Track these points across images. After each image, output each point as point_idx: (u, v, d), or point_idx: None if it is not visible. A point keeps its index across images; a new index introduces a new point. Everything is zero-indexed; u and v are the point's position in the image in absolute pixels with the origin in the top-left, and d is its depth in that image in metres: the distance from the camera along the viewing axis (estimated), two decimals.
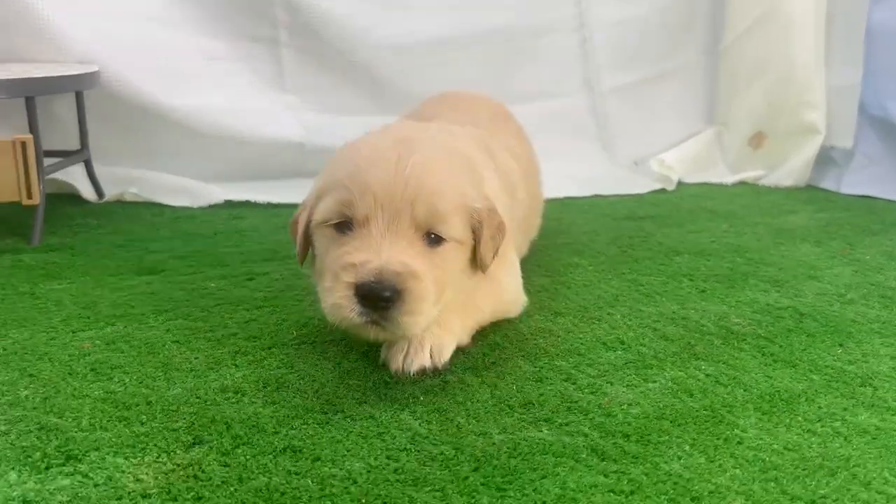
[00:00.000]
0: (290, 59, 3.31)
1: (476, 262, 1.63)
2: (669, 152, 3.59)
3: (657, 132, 3.74)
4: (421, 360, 1.55)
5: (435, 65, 3.46)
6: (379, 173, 1.50)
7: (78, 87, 2.68)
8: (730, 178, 3.54)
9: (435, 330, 1.58)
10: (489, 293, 1.74)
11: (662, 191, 3.37)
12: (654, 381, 1.57)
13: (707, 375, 1.60)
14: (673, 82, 3.80)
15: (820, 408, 1.48)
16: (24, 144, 2.28)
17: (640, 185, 3.39)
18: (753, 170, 3.57)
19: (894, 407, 1.48)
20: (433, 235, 1.51)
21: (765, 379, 1.59)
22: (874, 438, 1.37)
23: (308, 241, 1.64)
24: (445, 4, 3.45)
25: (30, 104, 2.47)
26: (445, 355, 1.59)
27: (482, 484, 1.22)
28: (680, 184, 3.48)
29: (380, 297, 1.39)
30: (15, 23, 2.83)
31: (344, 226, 1.52)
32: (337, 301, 1.43)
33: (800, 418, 1.44)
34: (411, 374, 1.54)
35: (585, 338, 1.78)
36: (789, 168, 3.45)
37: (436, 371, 1.56)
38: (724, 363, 1.66)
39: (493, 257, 1.64)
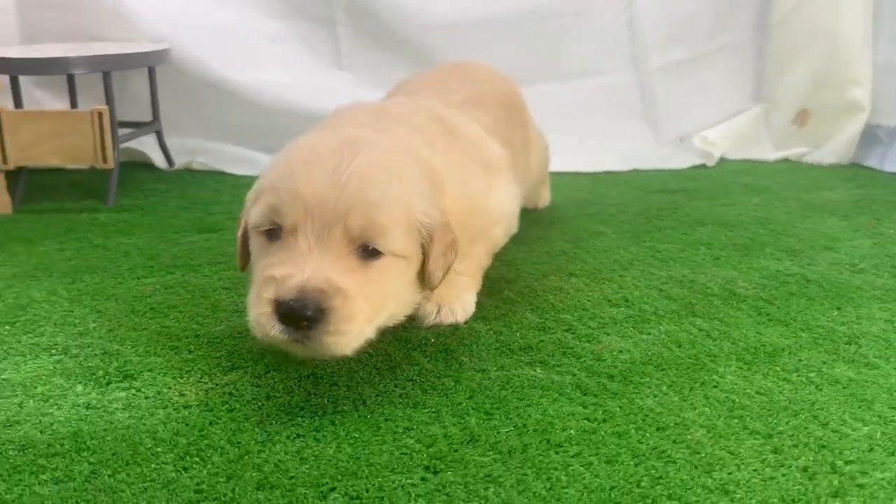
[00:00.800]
0: (346, 38, 3.50)
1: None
2: (714, 129, 3.65)
3: (703, 110, 3.79)
4: (453, 317, 1.73)
5: (484, 42, 3.59)
6: (312, 179, 1.38)
7: (150, 63, 2.94)
8: (773, 155, 3.58)
9: (454, 291, 1.73)
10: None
11: (703, 166, 3.44)
12: (649, 334, 1.71)
13: (700, 330, 1.72)
14: (719, 60, 3.83)
15: (800, 360, 1.59)
16: (100, 114, 2.54)
17: (682, 161, 3.47)
18: (797, 147, 3.59)
19: (873, 363, 1.58)
20: (370, 248, 1.39)
21: (754, 335, 1.70)
22: (844, 388, 1.48)
23: (246, 244, 1.54)
24: None
25: (106, 78, 2.73)
26: (471, 309, 1.77)
27: (473, 408, 1.39)
28: (722, 160, 3.54)
29: (300, 317, 1.29)
30: (93, 5, 3.12)
31: (273, 234, 1.41)
32: (257, 317, 1.33)
33: (778, 369, 1.55)
34: (443, 325, 1.72)
35: (593, 296, 1.92)
36: (833, 146, 3.47)
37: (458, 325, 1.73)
38: (718, 320, 1.78)
39: (444, 276, 1.55)
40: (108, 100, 2.72)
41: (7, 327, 1.72)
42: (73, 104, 3.10)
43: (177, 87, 3.24)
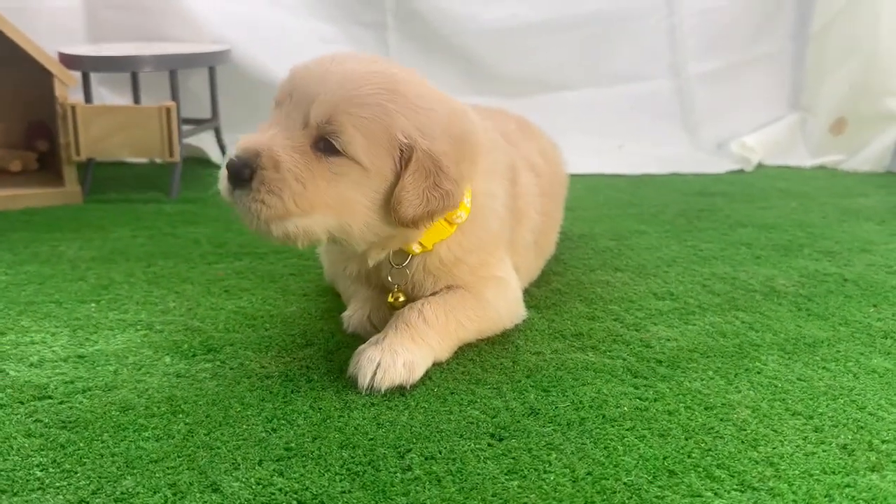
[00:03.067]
0: (395, 43, 3.64)
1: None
2: (751, 135, 3.73)
3: (741, 117, 3.87)
4: (392, 376, 1.45)
5: (529, 48, 3.72)
6: (311, 66, 1.47)
7: (212, 63, 3.09)
8: (809, 162, 3.65)
9: (409, 344, 1.50)
10: (474, 308, 1.63)
11: (740, 171, 3.52)
12: (694, 325, 1.80)
13: (742, 322, 1.82)
14: (758, 68, 3.91)
15: (838, 352, 1.68)
16: (168, 110, 2.69)
17: (719, 166, 3.55)
18: (833, 155, 3.65)
19: None
20: (331, 144, 1.41)
21: (795, 328, 1.79)
22: (881, 377, 1.57)
23: None
24: None
25: (172, 76, 2.89)
26: (418, 372, 1.49)
27: (531, 386, 1.50)
28: (759, 165, 3.61)
29: (234, 173, 1.39)
30: (158, 6, 3.28)
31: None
32: (221, 174, 1.45)
33: (818, 358, 1.64)
34: (381, 391, 1.45)
35: (639, 289, 2.02)
36: (868, 154, 3.53)
37: (403, 389, 1.47)
38: (760, 314, 1.87)
39: (422, 218, 1.47)
40: (174, 97, 2.87)
41: (93, 305, 1.86)
42: (136, 101, 3.25)
43: (234, 86, 3.39)
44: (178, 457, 1.25)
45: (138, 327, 1.74)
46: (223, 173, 1.43)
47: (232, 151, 1.41)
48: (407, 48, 3.64)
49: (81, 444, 1.28)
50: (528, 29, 3.70)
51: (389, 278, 1.66)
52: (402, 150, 1.44)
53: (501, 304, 1.71)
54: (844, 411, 1.43)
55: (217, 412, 1.39)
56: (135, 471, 1.21)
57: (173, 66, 2.88)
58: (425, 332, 1.54)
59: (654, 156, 3.62)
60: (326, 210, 1.43)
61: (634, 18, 3.80)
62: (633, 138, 3.77)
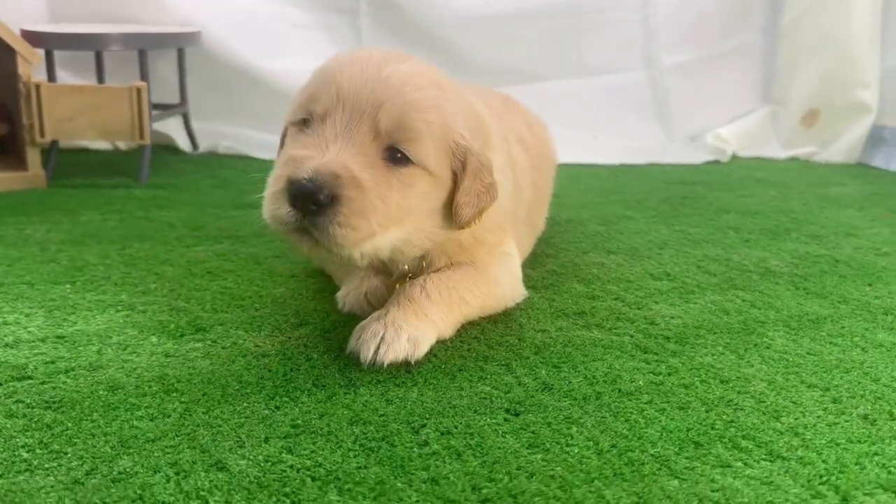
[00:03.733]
0: (368, 29, 3.56)
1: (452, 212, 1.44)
2: (725, 127, 3.75)
3: (714, 109, 3.89)
4: (396, 350, 1.38)
5: (504, 38, 3.67)
6: (353, 70, 1.34)
7: (182, 44, 2.98)
8: (782, 154, 3.68)
9: (412, 319, 1.44)
10: (478, 284, 1.57)
11: (716, 162, 3.53)
12: (695, 303, 1.77)
13: (743, 301, 1.80)
14: (731, 61, 3.93)
15: (843, 327, 1.66)
16: (138, 90, 2.57)
17: (695, 157, 3.55)
18: (806, 147, 3.69)
19: None
20: (399, 154, 1.35)
21: (796, 305, 1.78)
22: (889, 350, 1.56)
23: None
24: None
25: (142, 56, 2.77)
26: (423, 347, 1.42)
27: (541, 362, 1.45)
28: (733, 157, 3.63)
29: (310, 199, 1.24)
30: None
31: (306, 123, 1.38)
32: (269, 197, 1.31)
33: (824, 334, 1.63)
34: (384, 366, 1.38)
35: (635, 270, 1.99)
36: (840, 145, 3.58)
37: (408, 365, 1.41)
38: (759, 292, 1.85)
39: (475, 217, 1.46)
40: (143, 78, 2.76)
41: (68, 286, 1.75)
42: (101, 84, 3.12)
43: (203, 71, 3.27)
44: (177, 436, 1.17)
45: (119, 308, 1.64)
46: (279, 194, 1.28)
47: (296, 173, 1.26)
48: (380, 35, 3.56)
49: (70, 425, 1.19)
50: (502, 18, 3.65)
51: (405, 266, 1.59)
52: (454, 153, 1.40)
53: (506, 280, 1.66)
54: (860, 383, 1.41)
55: (214, 391, 1.30)
56: (131, 450, 1.13)
57: (142, 46, 2.77)
58: (429, 307, 1.48)
59: (630, 147, 3.61)
60: (399, 224, 1.37)
61: (608, 9, 3.79)
62: (608, 129, 3.75)
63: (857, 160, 3.57)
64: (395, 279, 1.61)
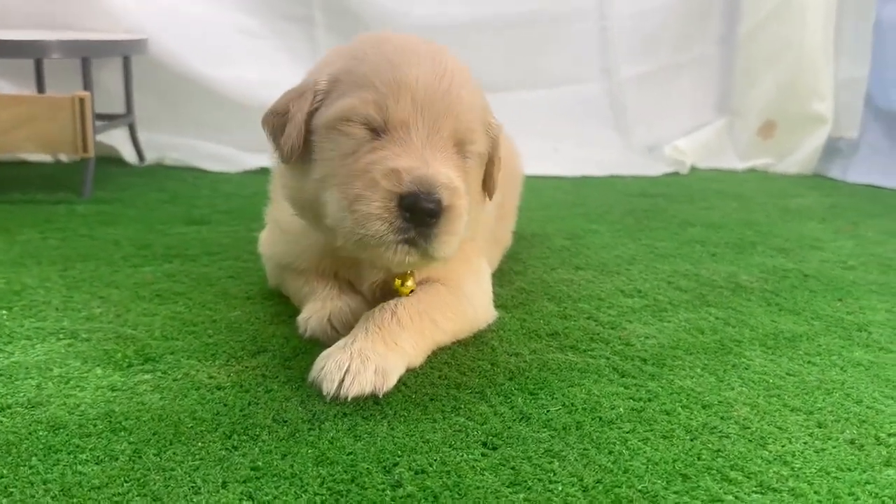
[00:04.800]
0: (324, 39, 3.47)
1: (487, 185, 1.50)
2: (683, 139, 3.75)
3: (672, 120, 3.90)
4: (362, 383, 1.28)
5: (461, 48, 3.57)
6: (418, 74, 1.32)
7: (128, 52, 2.85)
8: (740, 165, 3.69)
9: (381, 348, 1.34)
10: (450, 305, 1.50)
11: (675, 174, 3.52)
12: (669, 322, 1.72)
13: (717, 318, 1.75)
14: (687, 72, 3.95)
15: (819, 345, 1.63)
16: (81, 100, 2.44)
17: (654, 169, 3.54)
18: (762, 158, 3.71)
19: (887, 347, 1.63)
20: (465, 151, 1.38)
21: (770, 322, 1.74)
22: (867, 369, 1.52)
23: (304, 135, 1.39)
24: None
25: (85, 65, 2.63)
26: (391, 379, 1.32)
27: (516, 389, 1.37)
28: (692, 168, 3.63)
29: (427, 211, 1.24)
30: None
31: (369, 128, 1.33)
32: (374, 211, 1.24)
33: (801, 352, 1.59)
34: (347, 399, 1.27)
35: (605, 287, 1.93)
36: (796, 157, 3.61)
37: (375, 396, 1.30)
38: (732, 309, 1.81)
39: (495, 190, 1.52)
40: (87, 88, 2.62)
41: (4, 312, 1.62)
42: (41, 94, 2.97)
43: (150, 80, 3.14)
44: (126, 481, 1.06)
45: (60, 336, 1.52)
46: (387, 209, 1.25)
47: (414, 188, 1.24)
48: (336, 44, 3.47)
49: (5, 471, 1.07)
50: (459, 27, 3.60)
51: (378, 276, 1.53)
52: (488, 132, 1.45)
53: (478, 299, 1.60)
54: (842, 405, 1.37)
55: (166, 429, 1.20)
56: (74, 499, 1.01)
57: (85, 54, 2.63)
58: (399, 334, 1.39)
59: (589, 159, 3.58)
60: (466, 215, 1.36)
61: (565, 21, 3.77)
62: (567, 140, 3.72)
63: (813, 171, 3.60)
64: (396, 284, 1.50)
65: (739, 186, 3.30)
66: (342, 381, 1.29)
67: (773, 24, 3.64)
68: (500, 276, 1.94)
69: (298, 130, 1.38)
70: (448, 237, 1.28)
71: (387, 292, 1.56)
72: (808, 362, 1.54)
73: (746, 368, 1.50)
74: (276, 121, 1.44)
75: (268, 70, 3.36)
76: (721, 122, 3.89)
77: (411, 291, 1.49)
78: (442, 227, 1.27)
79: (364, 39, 1.45)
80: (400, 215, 1.25)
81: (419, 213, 1.24)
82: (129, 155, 3.17)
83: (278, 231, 1.67)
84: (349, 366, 1.30)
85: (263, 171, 3.14)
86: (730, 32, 3.89)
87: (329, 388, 1.29)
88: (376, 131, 1.32)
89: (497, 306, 1.73)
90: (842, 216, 2.81)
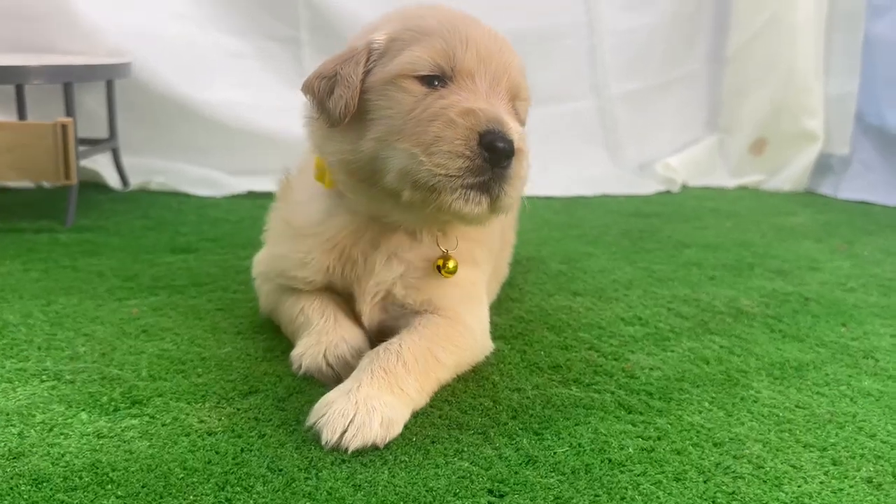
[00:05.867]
0: (310, 59, 3.42)
1: None
2: (674, 157, 3.72)
3: (662, 138, 3.87)
4: (366, 435, 1.22)
5: None
6: (479, 30, 1.38)
7: (112, 76, 2.79)
8: (731, 182, 3.67)
9: (387, 396, 1.28)
10: (451, 338, 1.46)
11: (667, 192, 3.50)
12: (673, 351, 1.68)
13: (721, 347, 1.71)
14: (677, 89, 3.93)
15: (827, 374, 1.59)
16: (64, 127, 2.38)
17: (646, 187, 3.51)
18: (754, 175, 3.70)
19: (895, 375, 1.60)
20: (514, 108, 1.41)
21: (775, 350, 1.70)
22: (877, 400, 1.48)
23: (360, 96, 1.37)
24: (462, 5, 3.57)
25: (68, 90, 2.58)
26: (396, 429, 1.26)
27: (521, 428, 1.32)
28: (683, 186, 3.60)
29: (503, 151, 1.24)
30: (50, 15, 2.94)
31: (432, 80, 1.34)
32: (456, 148, 1.24)
33: (809, 383, 1.55)
34: (348, 451, 1.21)
35: (605, 315, 1.89)
36: (788, 174, 3.60)
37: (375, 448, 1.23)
38: (736, 337, 1.77)
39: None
40: (69, 113, 2.56)
41: None
42: (23, 120, 2.90)
43: (134, 104, 3.09)
44: None
45: (43, 378, 1.45)
46: (470, 148, 1.25)
47: (494, 127, 1.25)
48: None
49: None
50: None
51: (438, 244, 1.53)
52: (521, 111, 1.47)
53: (478, 328, 1.56)
54: (856, 440, 1.33)
55: (155, 481, 1.13)
56: None
57: (68, 79, 2.57)
58: (405, 378, 1.33)
59: (580, 177, 3.55)
60: None
61: (554, 38, 3.74)
62: (557, 159, 3.68)
63: (805, 188, 3.58)
64: (439, 262, 1.52)
65: (733, 205, 3.28)
66: (345, 430, 1.22)
67: (763, 41, 3.63)
68: (498, 304, 1.89)
69: (354, 90, 1.36)
70: (517, 182, 1.29)
71: (386, 306, 1.54)
72: (817, 393, 1.50)
73: (755, 401, 1.46)
74: (322, 84, 1.41)
75: (254, 91, 3.32)
76: (712, 139, 3.88)
77: (454, 270, 1.51)
78: (514, 170, 1.28)
79: (415, 6, 1.48)
80: (480, 154, 1.25)
81: (497, 153, 1.25)
82: (112, 180, 3.10)
83: (289, 230, 1.61)
84: (354, 416, 1.24)
85: (252, 195, 3.10)
86: (719, 49, 3.88)
87: (330, 437, 1.22)
88: (435, 86, 1.34)
89: (496, 337, 1.68)
90: (836, 234, 2.79)
